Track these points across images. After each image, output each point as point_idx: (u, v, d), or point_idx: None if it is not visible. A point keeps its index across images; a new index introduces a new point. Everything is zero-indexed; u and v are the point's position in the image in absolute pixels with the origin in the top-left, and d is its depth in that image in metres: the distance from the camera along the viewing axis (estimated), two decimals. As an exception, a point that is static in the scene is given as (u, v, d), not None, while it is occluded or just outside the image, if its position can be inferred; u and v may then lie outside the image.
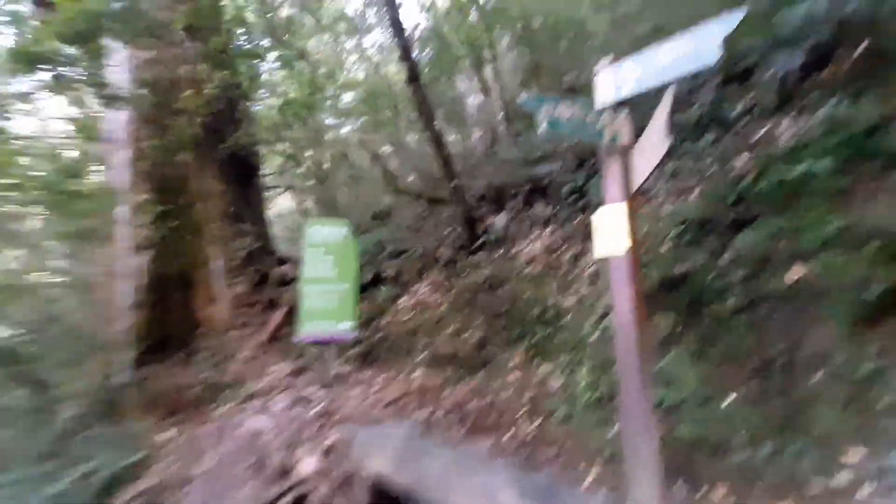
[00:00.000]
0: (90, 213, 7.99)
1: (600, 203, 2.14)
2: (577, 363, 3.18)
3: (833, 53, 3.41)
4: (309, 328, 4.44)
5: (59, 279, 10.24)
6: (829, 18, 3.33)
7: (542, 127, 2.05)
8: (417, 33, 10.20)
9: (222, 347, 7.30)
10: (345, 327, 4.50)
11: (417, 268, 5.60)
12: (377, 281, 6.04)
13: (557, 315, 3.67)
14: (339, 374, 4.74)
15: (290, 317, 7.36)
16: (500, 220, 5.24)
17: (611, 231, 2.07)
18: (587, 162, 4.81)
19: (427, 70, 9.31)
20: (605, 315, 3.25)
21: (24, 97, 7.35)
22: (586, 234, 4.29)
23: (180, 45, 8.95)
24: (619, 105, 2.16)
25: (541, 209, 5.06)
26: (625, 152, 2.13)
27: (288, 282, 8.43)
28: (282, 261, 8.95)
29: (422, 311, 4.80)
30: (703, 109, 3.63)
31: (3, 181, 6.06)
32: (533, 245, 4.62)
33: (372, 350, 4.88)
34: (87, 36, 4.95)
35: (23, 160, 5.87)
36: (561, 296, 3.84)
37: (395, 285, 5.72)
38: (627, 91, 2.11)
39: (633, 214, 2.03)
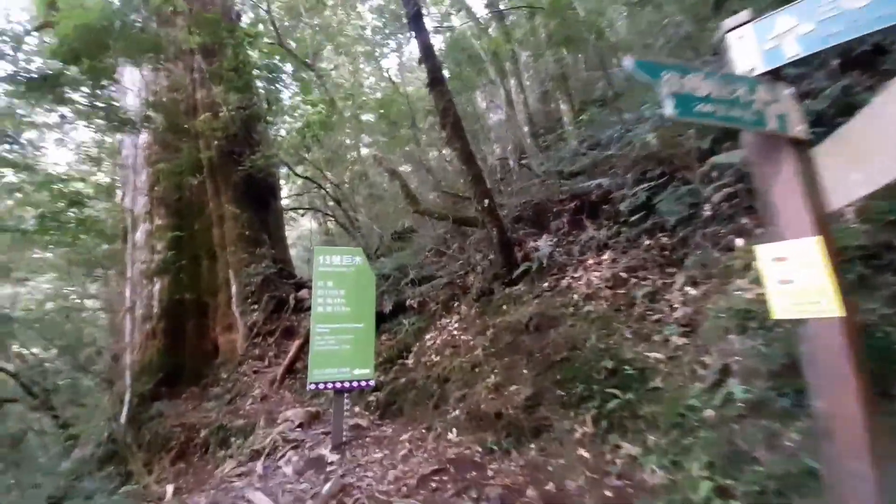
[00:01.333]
0: (104, 240, 7.49)
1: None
2: (685, 450, 2.20)
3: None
4: (320, 375, 3.63)
5: (75, 308, 9.88)
6: None
7: (669, 106, 1.21)
8: (437, 47, 9.52)
9: (236, 382, 6.55)
10: (361, 374, 3.68)
11: (445, 298, 4.73)
12: (399, 310, 5.19)
13: (642, 374, 2.70)
14: (356, 426, 3.89)
15: (306, 347, 6.62)
16: (543, 245, 4.25)
17: (797, 280, 1.21)
18: (648, 173, 3.89)
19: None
20: (720, 381, 2.29)
21: (43, 126, 6.95)
22: (664, 263, 3.38)
23: (195, 69, 8.55)
24: (776, 76, 1.33)
25: (594, 231, 4.07)
26: (802, 150, 1.28)
27: (306, 308, 7.70)
28: (299, 286, 8.25)
29: (453, 354, 3.89)
30: (832, 98, 2.69)
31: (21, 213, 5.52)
32: (589, 276, 3.63)
33: (395, 399, 4.01)
34: (87, 54, 4.38)
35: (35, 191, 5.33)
36: (640, 346, 2.87)
37: (420, 316, 4.84)
38: (790, 53, 1.28)
39: (832, 253, 1.17)
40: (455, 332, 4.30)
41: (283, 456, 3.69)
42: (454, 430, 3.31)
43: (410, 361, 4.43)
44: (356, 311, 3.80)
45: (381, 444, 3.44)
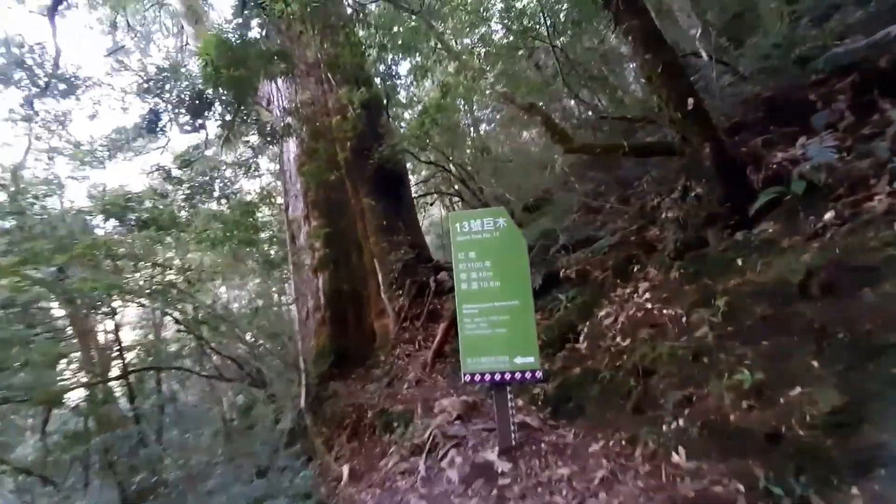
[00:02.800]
0: (278, 244, 8.31)
1: None
2: None
3: None
4: (474, 365, 2.94)
5: (273, 304, 11.59)
6: None
7: None
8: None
9: (392, 366, 6.49)
10: (524, 363, 2.87)
11: (618, 262, 3.55)
12: (550, 284, 4.18)
13: None
14: (524, 425, 3.09)
15: (453, 330, 6.18)
16: (814, 150, 2.51)
17: None
18: None
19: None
20: None
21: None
22: None
23: (323, 80, 8.86)
24: None
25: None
26: None
27: (447, 290, 7.33)
28: (438, 269, 7.94)
29: (655, 336, 2.77)
30: None
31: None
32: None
33: (570, 394, 3.07)
34: (238, 79, 4.50)
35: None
36: None
37: (581, 289, 3.78)
38: None
39: None
40: (649, 305, 3.11)
41: (444, 455, 3.13)
42: (681, 449, 2.21)
43: (583, 346, 3.42)
44: (508, 286, 2.98)
45: (562, 455, 2.57)
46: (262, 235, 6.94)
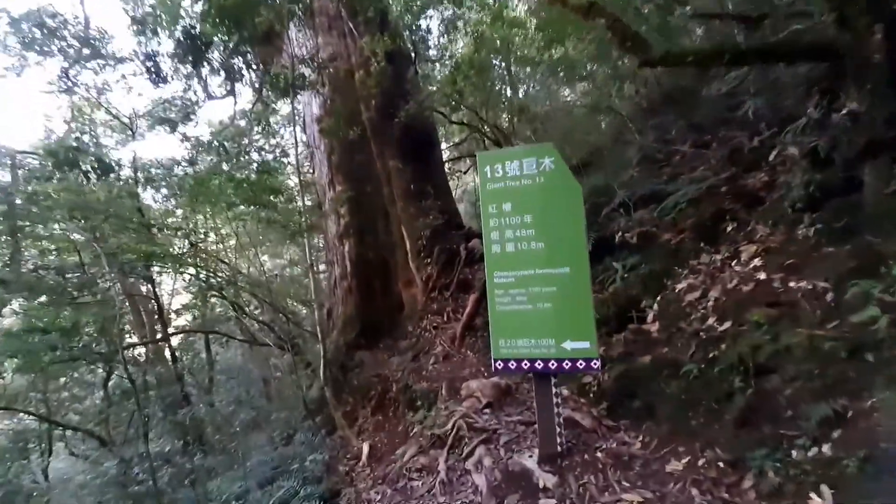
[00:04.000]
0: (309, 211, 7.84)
1: None
2: None
3: None
4: (509, 348, 2.23)
5: (277, 273, 11.39)
6: None
7: None
8: None
9: (419, 338, 5.93)
10: (576, 349, 2.13)
11: (702, 220, 2.65)
12: (604, 250, 3.31)
13: None
14: (571, 422, 2.38)
15: (484, 301, 5.50)
16: None
17: None
18: None
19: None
20: None
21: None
22: None
23: (347, 34, 8.02)
24: None
25: None
26: None
27: (478, 259, 6.61)
28: (469, 236, 7.20)
29: (772, 321, 1.96)
30: None
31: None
32: None
33: (634, 388, 2.30)
34: (237, 8, 3.81)
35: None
36: None
37: (645, 255, 2.93)
38: None
39: None
40: (761, 276, 2.22)
41: (471, 454, 2.49)
42: (825, 489, 1.43)
43: (653, 327, 2.60)
44: (556, 249, 2.20)
45: (627, 470, 1.86)
46: (282, 200, 6.42)
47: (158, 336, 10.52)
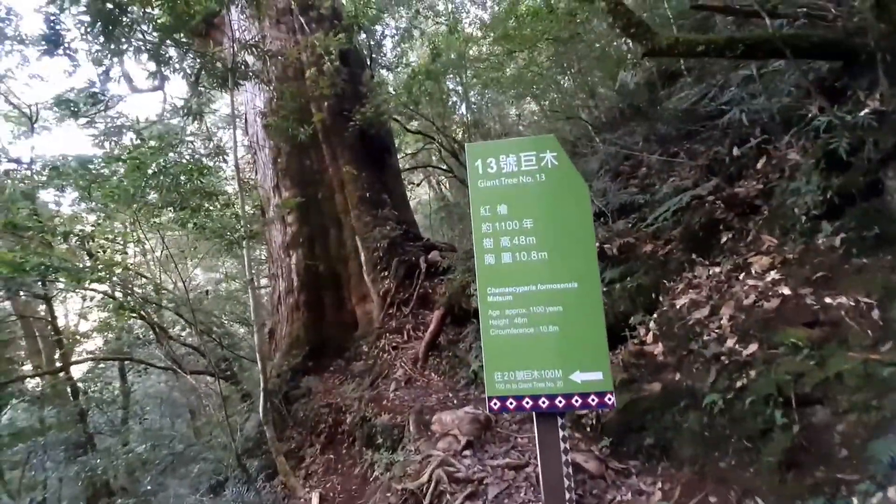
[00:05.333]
0: (250, 219, 6.87)
1: None
2: None
3: None
4: (506, 383, 1.76)
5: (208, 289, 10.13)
6: None
7: None
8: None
9: (376, 360, 5.26)
10: (588, 381, 1.72)
11: (689, 231, 2.35)
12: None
13: None
14: (573, 467, 1.94)
15: (446, 319, 5.01)
16: None
17: None
18: None
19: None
20: None
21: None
22: None
23: (297, 30, 7.32)
24: None
25: None
26: None
27: (439, 272, 6.12)
28: (428, 248, 6.71)
29: (815, 343, 1.63)
30: None
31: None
32: None
33: (641, 423, 1.88)
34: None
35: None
36: None
37: (630, 269, 2.61)
38: None
39: None
40: (785, 290, 1.91)
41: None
42: None
43: (656, 348, 2.24)
44: (562, 260, 1.79)
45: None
46: (218, 206, 5.48)
47: (58, 365, 8.67)
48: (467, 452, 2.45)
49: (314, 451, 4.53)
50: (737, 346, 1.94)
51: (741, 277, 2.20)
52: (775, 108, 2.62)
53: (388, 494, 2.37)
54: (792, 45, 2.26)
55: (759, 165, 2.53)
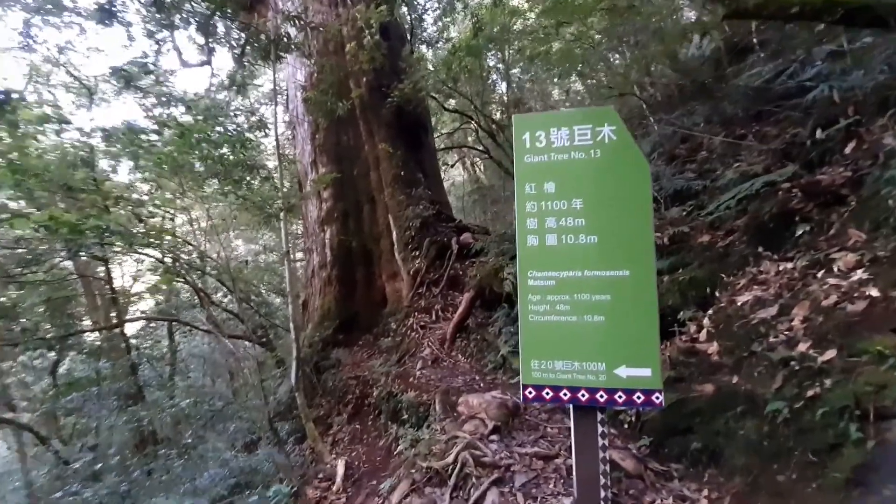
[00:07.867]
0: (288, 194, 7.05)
1: None
2: None
3: None
4: (543, 372, 1.68)
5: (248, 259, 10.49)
6: None
7: None
8: None
9: (404, 338, 5.30)
10: (635, 376, 1.60)
11: (758, 221, 2.11)
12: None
13: None
14: (611, 464, 1.85)
15: (476, 302, 4.94)
16: None
17: None
18: None
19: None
20: None
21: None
22: None
23: (339, 3, 7.22)
24: None
25: None
26: None
27: (471, 254, 6.03)
28: (461, 229, 6.61)
29: None
30: None
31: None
32: None
33: (688, 425, 1.75)
34: None
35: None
36: None
37: (681, 260, 2.39)
38: None
39: None
40: (875, 292, 1.66)
41: (481, 499, 1.90)
42: None
43: (710, 347, 2.05)
44: (614, 245, 1.64)
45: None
46: (258, 179, 5.62)
47: (114, 322, 9.45)
48: (494, 437, 2.40)
49: (341, 420, 4.68)
50: (811, 351, 1.73)
51: (820, 275, 1.95)
52: (869, 85, 2.28)
53: (413, 471, 2.38)
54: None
55: (847, 150, 2.21)
